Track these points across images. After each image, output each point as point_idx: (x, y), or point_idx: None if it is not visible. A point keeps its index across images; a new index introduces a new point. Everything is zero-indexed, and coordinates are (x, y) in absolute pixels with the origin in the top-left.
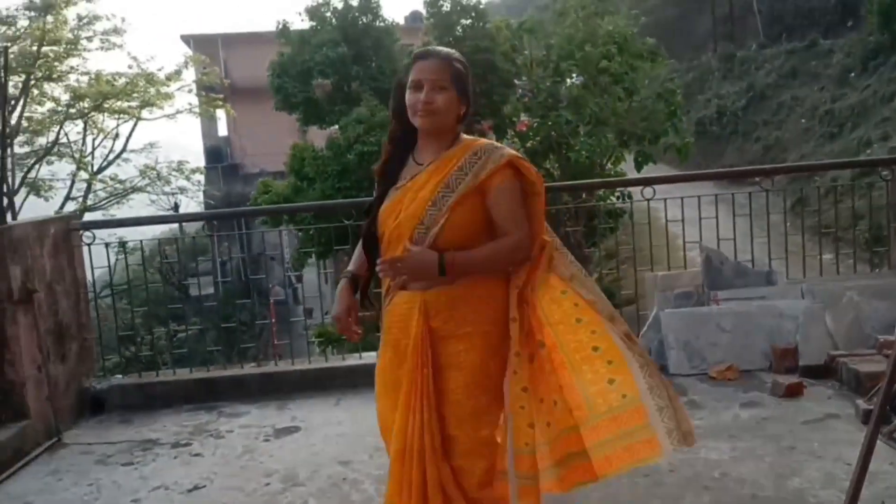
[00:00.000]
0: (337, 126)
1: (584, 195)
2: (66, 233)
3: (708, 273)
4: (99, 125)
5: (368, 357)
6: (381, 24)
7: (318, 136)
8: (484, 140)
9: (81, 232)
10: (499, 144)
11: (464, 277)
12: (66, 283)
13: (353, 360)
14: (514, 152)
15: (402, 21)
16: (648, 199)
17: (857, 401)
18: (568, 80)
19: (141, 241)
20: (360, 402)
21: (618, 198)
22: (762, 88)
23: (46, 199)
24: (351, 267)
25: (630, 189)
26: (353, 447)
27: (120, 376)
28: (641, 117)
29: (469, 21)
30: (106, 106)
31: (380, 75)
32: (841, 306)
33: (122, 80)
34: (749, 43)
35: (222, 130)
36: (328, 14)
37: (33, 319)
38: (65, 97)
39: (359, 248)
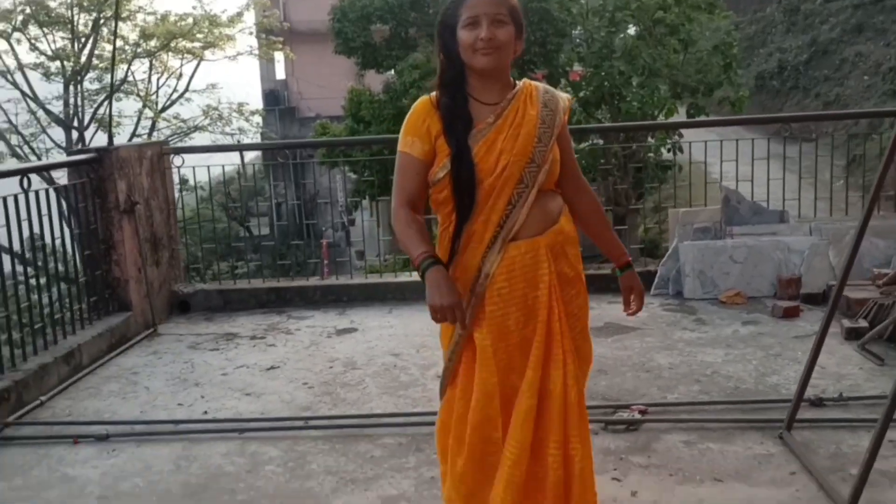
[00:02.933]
0: (393, 71)
1: (634, 146)
2: (159, 156)
3: (726, 210)
4: (164, 65)
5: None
6: None
7: (375, 81)
8: (534, 81)
9: (172, 156)
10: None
11: (564, 216)
12: (159, 200)
13: (403, 276)
14: None
15: None
16: (674, 142)
17: (843, 320)
18: (623, 31)
19: (223, 165)
20: (409, 311)
21: (668, 150)
22: (825, 43)
23: (114, 136)
24: (423, 248)
25: (679, 140)
26: (402, 344)
27: (203, 284)
28: (696, 69)
29: None
30: (172, 46)
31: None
32: (844, 243)
33: (188, 21)
34: None
35: (280, 74)
36: None
37: (134, 228)
38: (133, 36)
39: (414, 233)
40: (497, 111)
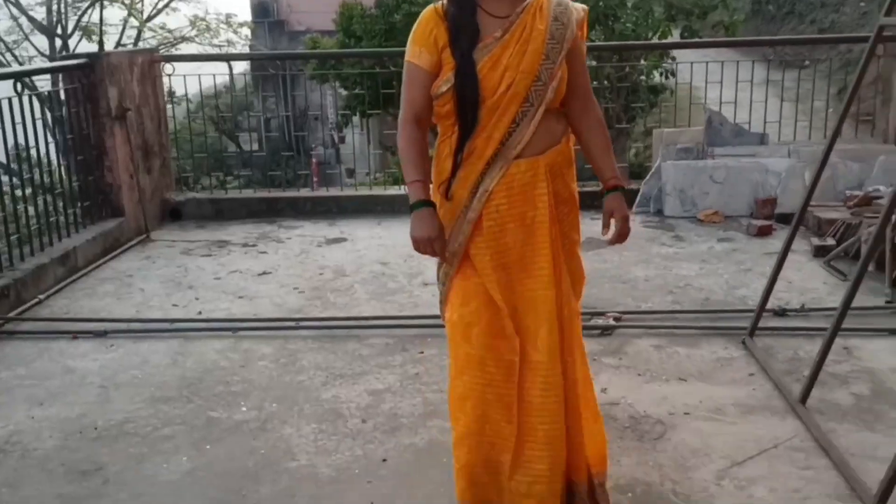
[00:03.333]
0: None
1: (626, 68)
2: (150, 64)
3: (708, 131)
4: None
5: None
6: None
7: None
8: None
9: (163, 64)
10: None
11: (565, 136)
12: (150, 108)
13: (393, 189)
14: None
15: None
16: (666, 65)
17: (812, 239)
18: None
19: (214, 75)
20: (398, 223)
21: (660, 73)
22: None
23: (99, 45)
24: (417, 176)
25: (672, 63)
26: (390, 254)
27: (194, 193)
28: None
29: None
30: None
31: None
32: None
33: None
34: None
35: None
36: None
37: (126, 135)
38: None
39: (414, 153)
40: (505, 25)
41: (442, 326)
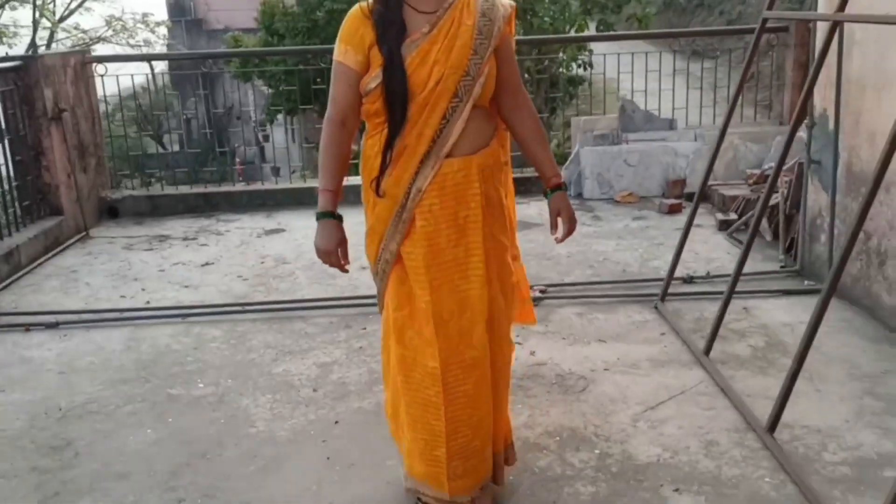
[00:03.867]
0: None
1: (546, 61)
2: (83, 64)
3: (622, 119)
4: None
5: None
6: None
7: None
8: None
9: (95, 64)
10: None
11: (495, 138)
12: (84, 108)
13: None
14: None
15: None
16: (583, 57)
17: (717, 214)
18: None
19: (132, 76)
20: None
21: (579, 65)
22: None
23: (10, 47)
24: (329, 185)
25: (589, 55)
26: None
27: (131, 190)
28: None
29: None
30: None
31: None
32: (723, 148)
33: None
34: None
35: None
36: None
37: (62, 134)
38: None
39: (332, 159)
40: (433, 20)
41: None
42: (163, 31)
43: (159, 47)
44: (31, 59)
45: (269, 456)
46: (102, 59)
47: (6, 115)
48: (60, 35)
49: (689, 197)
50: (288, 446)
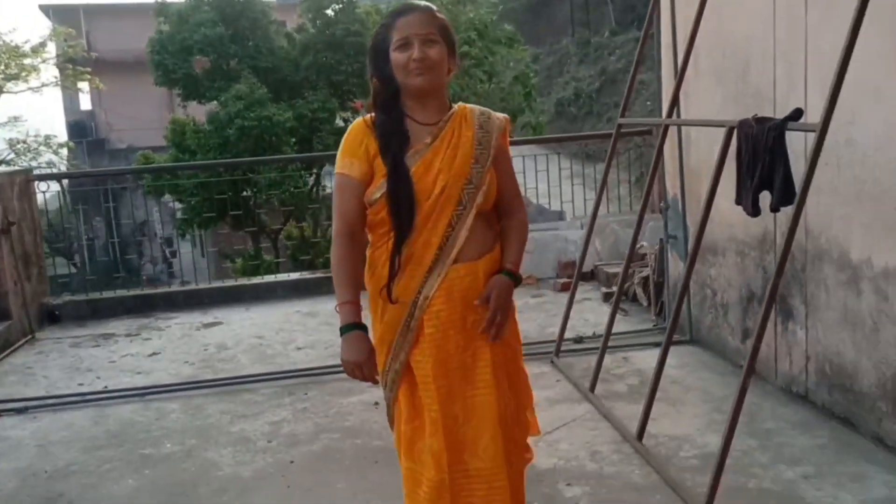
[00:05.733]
0: (216, 102)
1: None
2: (26, 182)
3: None
4: None
5: (269, 277)
6: (257, 5)
7: (197, 111)
8: (470, 104)
9: (37, 182)
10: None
11: (497, 242)
12: (28, 221)
13: (257, 279)
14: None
15: None
16: None
17: (601, 288)
18: None
19: (43, 193)
20: (265, 307)
21: None
22: (614, 73)
23: None
24: (348, 297)
25: None
26: (263, 330)
27: (72, 296)
28: (500, 98)
29: (340, 6)
30: None
31: (257, 54)
32: (605, 233)
33: None
34: (603, 30)
35: (85, 104)
36: None
37: (11, 246)
38: None
39: (345, 272)
40: (434, 132)
41: (322, 373)
42: (65, 152)
43: (63, 168)
44: None
45: (238, 489)
46: (43, 178)
47: None
48: None
49: (581, 276)
50: (253, 481)
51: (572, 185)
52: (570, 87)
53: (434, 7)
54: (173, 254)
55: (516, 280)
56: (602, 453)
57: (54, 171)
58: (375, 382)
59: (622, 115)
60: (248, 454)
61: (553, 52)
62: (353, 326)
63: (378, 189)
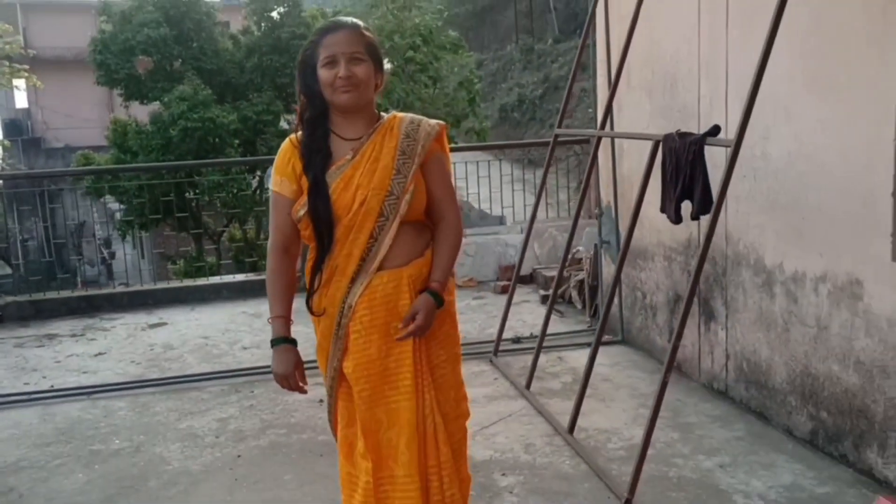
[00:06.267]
0: (159, 102)
1: None
2: None
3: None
4: None
5: (214, 279)
6: (202, 6)
7: (140, 112)
8: (402, 113)
9: None
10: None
11: (428, 247)
12: None
13: (202, 281)
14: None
15: None
16: None
17: (539, 291)
18: None
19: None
20: (210, 308)
21: None
22: (556, 80)
23: None
24: (279, 311)
25: None
26: (209, 330)
27: (13, 297)
28: (444, 103)
29: (286, 8)
30: None
31: (202, 55)
32: (544, 238)
33: None
34: (547, 37)
35: (21, 102)
36: None
37: None
38: None
39: (277, 287)
40: (356, 146)
41: (268, 371)
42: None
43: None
44: None
45: (187, 482)
46: None
47: None
48: None
49: (519, 279)
50: (201, 475)
51: (513, 190)
52: (514, 93)
53: (361, 24)
54: (112, 255)
55: (440, 301)
56: (536, 446)
57: None
58: (303, 392)
59: (559, 125)
60: (196, 449)
61: (497, 58)
62: (281, 340)
63: (302, 206)
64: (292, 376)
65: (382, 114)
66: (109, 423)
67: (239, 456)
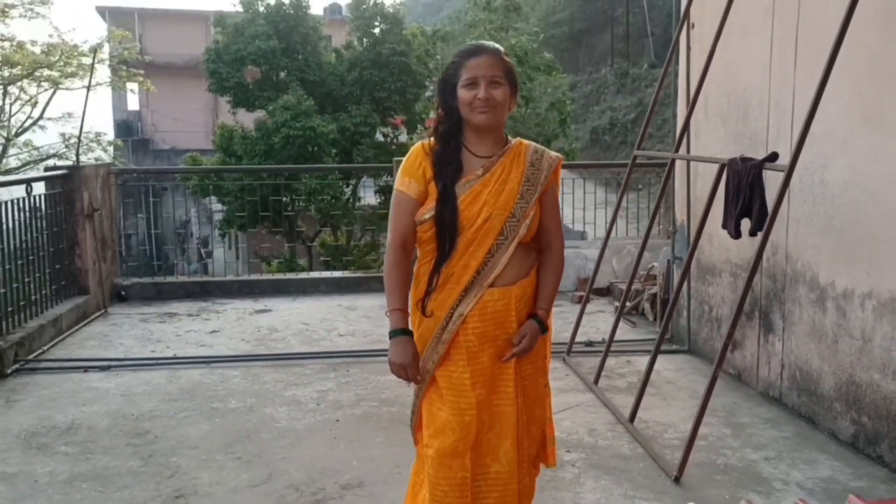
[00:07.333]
0: (264, 110)
1: None
2: (107, 175)
3: None
4: (22, 91)
5: (314, 273)
6: (309, 20)
7: (245, 119)
8: (527, 141)
9: (115, 175)
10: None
11: (533, 268)
12: (107, 209)
13: (303, 274)
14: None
15: (321, 12)
16: None
17: (615, 303)
18: None
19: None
20: (309, 299)
21: None
22: (650, 104)
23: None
24: (397, 304)
25: None
26: (308, 318)
27: (139, 278)
28: (535, 123)
29: (387, 26)
30: (36, 74)
31: (306, 67)
32: (623, 254)
33: (56, 51)
34: (642, 62)
35: (132, 105)
36: (261, 8)
37: (93, 229)
38: None
39: (396, 281)
40: (486, 165)
41: (362, 355)
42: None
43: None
44: (74, 169)
45: (293, 437)
46: (122, 172)
47: (55, 211)
48: (12, 152)
49: (596, 291)
50: (305, 433)
51: (595, 208)
52: (606, 116)
53: (502, 50)
54: (209, 254)
55: (544, 328)
56: (598, 430)
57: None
58: (418, 382)
59: (639, 147)
60: (300, 412)
61: (591, 80)
62: (400, 332)
63: (428, 211)
64: (410, 366)
65: (509, 136)
66: (226, 387)
67: (337, 420)
